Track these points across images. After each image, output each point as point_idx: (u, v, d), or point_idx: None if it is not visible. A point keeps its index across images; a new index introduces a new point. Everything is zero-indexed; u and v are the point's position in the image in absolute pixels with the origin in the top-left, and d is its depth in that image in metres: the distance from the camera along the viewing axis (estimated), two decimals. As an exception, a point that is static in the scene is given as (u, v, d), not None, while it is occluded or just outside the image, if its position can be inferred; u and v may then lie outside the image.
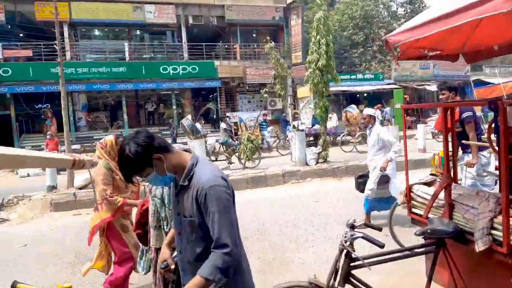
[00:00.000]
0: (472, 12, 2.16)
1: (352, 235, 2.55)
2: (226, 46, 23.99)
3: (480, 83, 24.44)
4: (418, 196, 3.26)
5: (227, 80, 22.75)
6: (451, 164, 3.06)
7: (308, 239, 5.27)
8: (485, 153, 4.54)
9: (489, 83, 23.97)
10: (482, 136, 4.78)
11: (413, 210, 3.28)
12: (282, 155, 14.27)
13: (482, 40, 3.48)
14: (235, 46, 23.36)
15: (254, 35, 24.74)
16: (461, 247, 2.77)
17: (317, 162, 10.45)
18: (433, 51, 3.50)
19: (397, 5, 29.77)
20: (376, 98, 21.88)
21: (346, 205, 6.93)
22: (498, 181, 3.68)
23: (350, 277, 2.58)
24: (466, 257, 2.80)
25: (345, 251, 2.55)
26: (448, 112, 3.06)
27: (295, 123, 12.96)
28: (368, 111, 6.01)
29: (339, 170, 9.91)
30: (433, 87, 23.92)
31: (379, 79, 23.84)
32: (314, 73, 10.42)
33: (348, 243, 2.54)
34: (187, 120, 11.74)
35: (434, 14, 2.51)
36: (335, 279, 2.56)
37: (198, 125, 12.90)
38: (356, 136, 14.79)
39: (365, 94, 24.11)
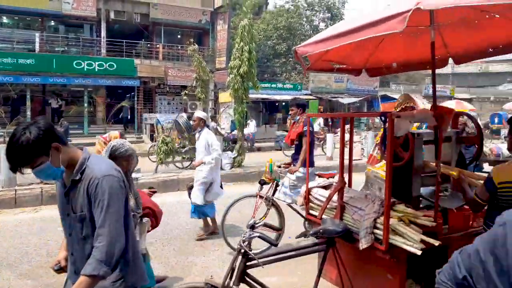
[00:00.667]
0: (371, 30, 2.34)
1: (250, 235, 2.61)
2: (148, 45, 23.25)
3: (386, 98, 26.84)
4: (316, 198, 3.45)
5: (146, 80, 22.02)
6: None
7: (214, 243, 5.28)
8: (301, 170, 4.92)
9: (394, 98, 26.43)
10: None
11: (310, 211, 3.46)
12: (200, 158, 14.13)
13: (383, 58, 3.82)
14: (158, 46, 22.73)
15: (179, 36, 24.33)
16: (348, 246, 2.99)
17: (232, 167, 10.56)
18: (340, 65, 3.77)
19: (319, 19, 31.55)
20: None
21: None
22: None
23: (246, 276, 2.63)
24: (352, 255, 3.02)
25: (242, 251, 2.60)
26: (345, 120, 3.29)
27: (212, 124, 12.86)
28: (199, 113, 5.72)
29: (252, 174, 10.12)
30: (345, 100, 25.70)
31: (297, 89, 24.94)
32: (235, 79, 10.53)
33: (245, 243, 2.60)
34: (182, 118, 10.99)
35: (339, 30, 2.68)
36: (231, 279, 2.60)
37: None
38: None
39: (283, 103, 25.04)
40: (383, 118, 2.51)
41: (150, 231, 3.27)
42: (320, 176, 5.06)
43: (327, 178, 4.58)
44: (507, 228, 0.78)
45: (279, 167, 5.28)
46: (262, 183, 5.11)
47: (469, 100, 28.00)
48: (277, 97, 23.54)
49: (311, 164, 5.05)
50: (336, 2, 30.10)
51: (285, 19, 27.22)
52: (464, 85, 35.57)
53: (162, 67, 21.90)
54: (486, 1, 2.07)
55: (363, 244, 2.76)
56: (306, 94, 24.80)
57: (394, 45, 3.41)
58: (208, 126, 5.80)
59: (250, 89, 11.01)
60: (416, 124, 4.23)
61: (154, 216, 3.27)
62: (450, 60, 3.66)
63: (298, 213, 4.92)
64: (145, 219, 3.13)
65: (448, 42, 3.24)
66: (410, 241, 2.58)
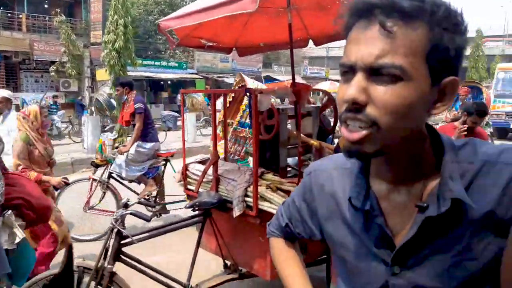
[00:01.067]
0: (225, 9, 2.45)
1: (122, 213, 2.59)
2: (9, 14, 20.19)
3: (269, 79, 28.12)
4: (193, 174, 3.55)
5: (8, 55, 19.23)
6: (219, 144, 3.43)
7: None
8: (148, 146, 5.07)
9: (276, 79, 27.81)
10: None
11: (188, 187, 3.55)
12: (76, 142, 13.08)
13: (251, 37, 4.01)
14: (20, 16, 19.93)
15: (46, 6, 21.64)
16: (224, 215, 3.17)
17: (113, 148, 10.05)
18: (210, 42, 3.84)
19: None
20: (180, 86, 22.47)
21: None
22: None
23: (121, 255, 2.62)
24: (228, 223, 3.21)
25: (115, 230, 2.57)
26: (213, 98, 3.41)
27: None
28: (3, 92, 5.05)
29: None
30: (230, 80, 26.15)
31: (182, 68, 24.51)
32: (110, 54, 9.93)
33: (118, 221, 2.58)
34: (102, 95, 9.42)
35: (198, 6, 2.74)
36: (105, 259, 2.56)
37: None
38: (201, 120, 15.60)
39: (169, 82, 24.42)
40: (248, 94, 2.68)
41: (29, 225, 2.93)
42: (158, 155, 5.23)
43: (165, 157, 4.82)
44: (312, 176, 0.95)
45: (116, 147, 5.29)
46: (94, 165, 4.99)
47: (341, 80, 30.89)
48: (162, 76, 22.83)
49: (154, 139, 5.14)
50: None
51: (167, -6, 26.26)
52: (337, 68, 39.10)
53: (27, 40, 19.32)
54: None
55: (236, 212, 2.96)
56: (192, 73, 24.55)
57: (260, 26, 3.61)
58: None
59: (128, 65, 10.50)
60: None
61: (30, 208, 2.92)
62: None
63: (131, 190, 5.01)
64: (8, 212, 2.80)
65: (307, 24, 3.57)
66: (276, 205, 2.85)
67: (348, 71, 0.69)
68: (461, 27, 0.67)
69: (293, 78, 3.20)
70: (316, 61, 41.47)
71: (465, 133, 3.80)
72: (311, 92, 5.45)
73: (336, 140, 4.00)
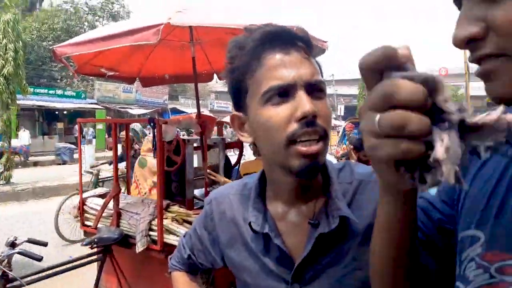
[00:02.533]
0: (128, 39, 2.43)
1: (8, 253, 2.32)
2: None
3: (176, 111, 27.85)
4: (91, 208, 3.32)
5: None
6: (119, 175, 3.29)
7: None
8: None
9: (183, 111, 27.64)
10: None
11: (86, 222, 3.30)
12: None
13: (155, 68, 3.98)
14: None
15: None
16: (126, 252, 3.00)
17: (-4, 184, 8.94)
18: (111, 71, 3.73)
19: (103, 25, 30.05)
20: (79, 117, 21.04)
21: (28, 228, 6.21)
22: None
23: (4, 302, 2.31)
24: (131, 260, 3.04)
25: (0, 272, 2.28)
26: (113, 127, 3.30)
27: None
28: None
29: (25, 192, 8.83)
30: (135, 111, 25.33)
31: (81, 97, 23.09)
32: (-3, 80, 9.00)
33: (4, 262, 2.30)
34: (137, 126, 7.60)
35: (100, 34, 2.68)
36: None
37: None
38: None
39: (65, 112, 22.74)
40: (152, 124, 2.65)
41: None
42: None
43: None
44: (213, 204, 0.96)
45: None
46: None
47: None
48: (58, 105, 21.16)
49: None
50: (121, 11, 29.39)
51: (63, 21, 24.83)
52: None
53: None
54: (220, 24, 2.45)
55: (139, 247, 2.82)
56: (92, 103, 23.21)
57: (164, 57, 3.64)
58: None
59: (18, 93, 9.62)
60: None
61: None
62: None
63: None
64: None
65: (211, 59, 3.69)
66: (182, 238, 2.80)
67: (283, 93, 0.72)
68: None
69: (198, 110, 3.25)
70: (223, 96, 42.47)
71: None
72: (225, 126, 5.56)
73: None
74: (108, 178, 5.97)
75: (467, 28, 0.44)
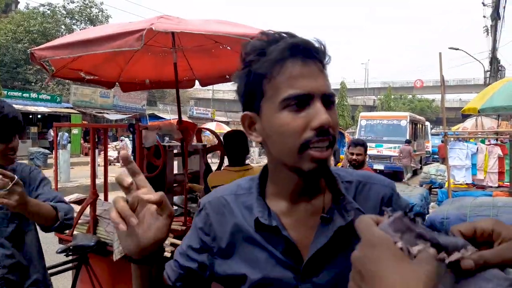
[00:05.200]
0: (110, 44, 2.38)
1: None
2: None
3: (154, 117, 27.56)
4: (67, 215, 3.24)
5: None
6: (97, 182, 3.22)
7: None
8: None
9: (162, 118, 27.38)
10: None
11: (61, 230, 3.22)
12: None
13: (135, 73, 3.93)
14: None
15: None
16: (103, 260, 2.93)
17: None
18: (90, 75, 3.66)
19: (80, 29, 29.55)
20: (53, 121, 20.48)
21: None
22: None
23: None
24: (107, 269, 2.98)
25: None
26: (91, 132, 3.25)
27: None
28: None
29: (-4, 198, 8.51)
30: (111, 116, 24.92)
31: (56, 101, 22.54)
32: (-33, 82, 8.68)
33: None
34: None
35: (79, 38, 2.63)
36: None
37: None
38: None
39: (39, 116, 22.16)
40: (131, 129, 2.62)
41: None
42: None
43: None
44: (207, 208, 0.94)
45: None
46: None
47: (227, 123, 31.99)
48: (31, 109, 20.60)
49: None
50: (100, 15, 29.02)
51: (39, 23, 24.30)
52: (222, 110, 40.72)
53: None
54: (201, 30, 2.45)
55: (116, 255, 2.77)
56: (67, 107, 22.70)
57: (145, 63, 3.61)
58: None
59: (-9, 97, 9.31)
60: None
61: None
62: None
63: None
64: None
65: (192, 65, 3.68)
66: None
67: (301, 101, 0.77)
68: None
69: (179, 116, 3.24)
70: (202, 103, 42.40)
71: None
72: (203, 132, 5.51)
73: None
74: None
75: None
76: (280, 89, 0.78)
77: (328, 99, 0.79)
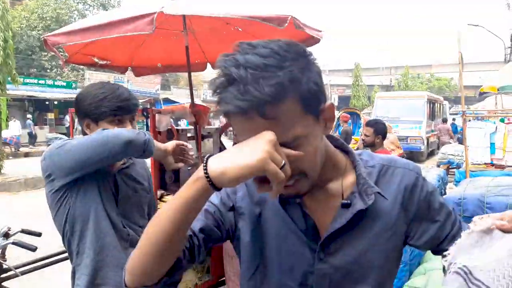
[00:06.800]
0: (122, 29, 2.38)
1: (2, 243, 2.31)
2: None
3: (168, 101, 27.64)
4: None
5: None
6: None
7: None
8: None
9: (176, 101, 27.43)
10: None
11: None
12: None
13: (147, 58, 3.92)
14: None
15: None
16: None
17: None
18: (103, 60, 3.67)
19: (93, 14, 29.58)
20: (70, 107, 20.80)
21: (21, 221, 6.19)
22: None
23: (0, 291, 2.31)
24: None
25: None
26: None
27: None
28: None
29: (16, 183, 8.77)
30: (127, 101, 25.05)
31: (71, 87, 22.82)
32: (-14, 70, 8.86)
33: (0, 253, 2.29)
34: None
35: (92, 23, 2.63)
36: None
37: None
38: None
39: (55, 102, 22.49)
40: (145, 113, 2.64)
41: None
42: None
43: None
44: None
45: None
46: None
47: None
48: (48, 95, 20.92)
49: None
50: (112, 0, 28.93)
51: (52, 10, 24.38)
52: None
53: None
54: (213, 13, 2.42)
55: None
56: (82, 93, 22.95)
57: (157, 46, 3.59)
58: None
59: (8, 83, 9.48)
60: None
61: None
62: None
63: None
64: None
65: (204, 48, 3.65)
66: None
67: None
68: (309, 66, 0.75)
69: (192, 99, 3.23)
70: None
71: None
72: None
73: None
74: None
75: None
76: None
77: (284, 146, 0.73)
